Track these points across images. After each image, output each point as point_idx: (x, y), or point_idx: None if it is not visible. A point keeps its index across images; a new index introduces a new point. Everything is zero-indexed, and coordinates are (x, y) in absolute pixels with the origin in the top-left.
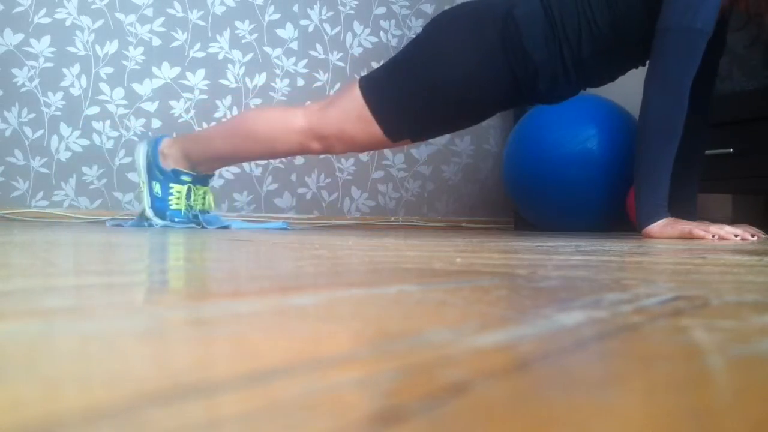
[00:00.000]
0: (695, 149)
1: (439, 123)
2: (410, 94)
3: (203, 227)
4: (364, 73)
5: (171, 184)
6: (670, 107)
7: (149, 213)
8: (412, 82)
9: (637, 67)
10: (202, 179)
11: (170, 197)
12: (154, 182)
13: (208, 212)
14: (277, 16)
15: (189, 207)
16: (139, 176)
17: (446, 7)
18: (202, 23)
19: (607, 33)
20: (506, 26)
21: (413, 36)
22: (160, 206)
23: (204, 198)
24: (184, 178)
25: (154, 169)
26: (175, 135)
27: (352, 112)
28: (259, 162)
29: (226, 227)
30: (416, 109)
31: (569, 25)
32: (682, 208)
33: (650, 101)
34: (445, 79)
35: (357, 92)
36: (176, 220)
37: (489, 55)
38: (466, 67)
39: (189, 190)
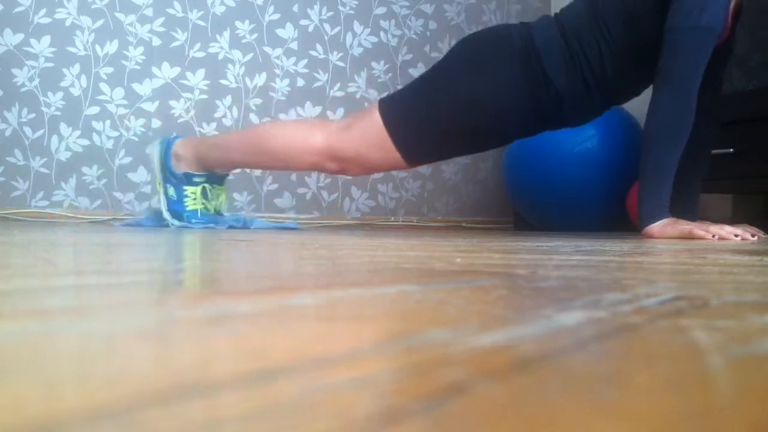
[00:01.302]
0: (700, 149)
1: (459, 148)
2: (431, 121)
3: (220, 227)
4: (364, 73)
5: (185, 187)
6: (678, 106)
7: (166, 215)
8: (434, 109)
9: None
10: (218, 178)
11: (185, 199)
12: (168, 185)
13: (219, 212)
14: (277, 16)
15: (205, 207)
16: (156, 176)
17: (446, 7)
18: (202, 23)
19: (626, 48)
20: (527, 55)
21: (413, 36)
22: (176, 208)
23: (218, 198)
24: (197, 179)
25: (167, 172)
26: (190, 137)
27: (372, 137)
28: None
29: (246, 227)
30: (437, 136)
31: (588, 47)
32: (684, 208)
33: (658, 100)
34: (468, 108)
35: (377, 116)
36: (193, 221)
37: (512, 84)
38: (489, 97)
39: (204, 189)
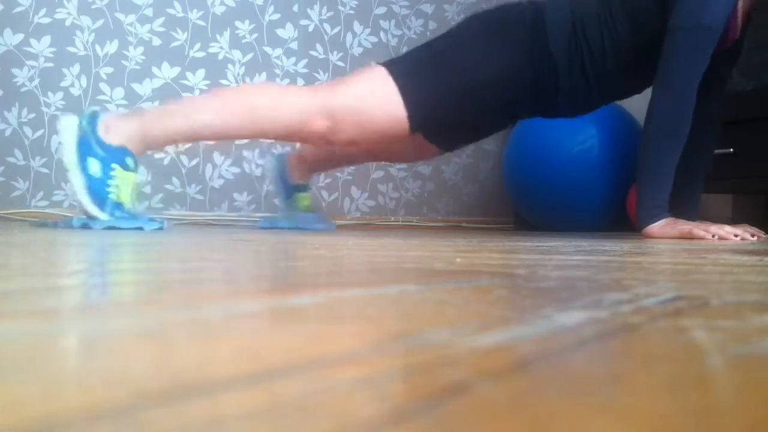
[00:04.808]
0: (702, 149)
1: (459, 120)
2: (439, 82)
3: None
4: None
5: (113, 165)
6: (676, 106)
7: (85, 199)
8: (442, 73)
9: None
10: (301, 186)
11: (110, 181)
12: (90, 159)
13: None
14: (277, 16)
15: (129, 203)
16: (65, 157)
17: (446, 7)
18: (202, 23)
19: (629, 44)
20: (535, 29)
21: (413, 36)
22: (97, 189)
23: (302, 202)
24: (130, 162)
25: (91, 143)
26: (125, 110)
27: (376, 87)
28: (259, 162)
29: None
30: (444, 98)
31: (592, 37)
32: (684, 208)
33: (657, 100)
34: (473, 79)
35: (381, 70)
36: (117, 215)
37: (517, 57)
38: (494, 68)
39: (130, 182)
